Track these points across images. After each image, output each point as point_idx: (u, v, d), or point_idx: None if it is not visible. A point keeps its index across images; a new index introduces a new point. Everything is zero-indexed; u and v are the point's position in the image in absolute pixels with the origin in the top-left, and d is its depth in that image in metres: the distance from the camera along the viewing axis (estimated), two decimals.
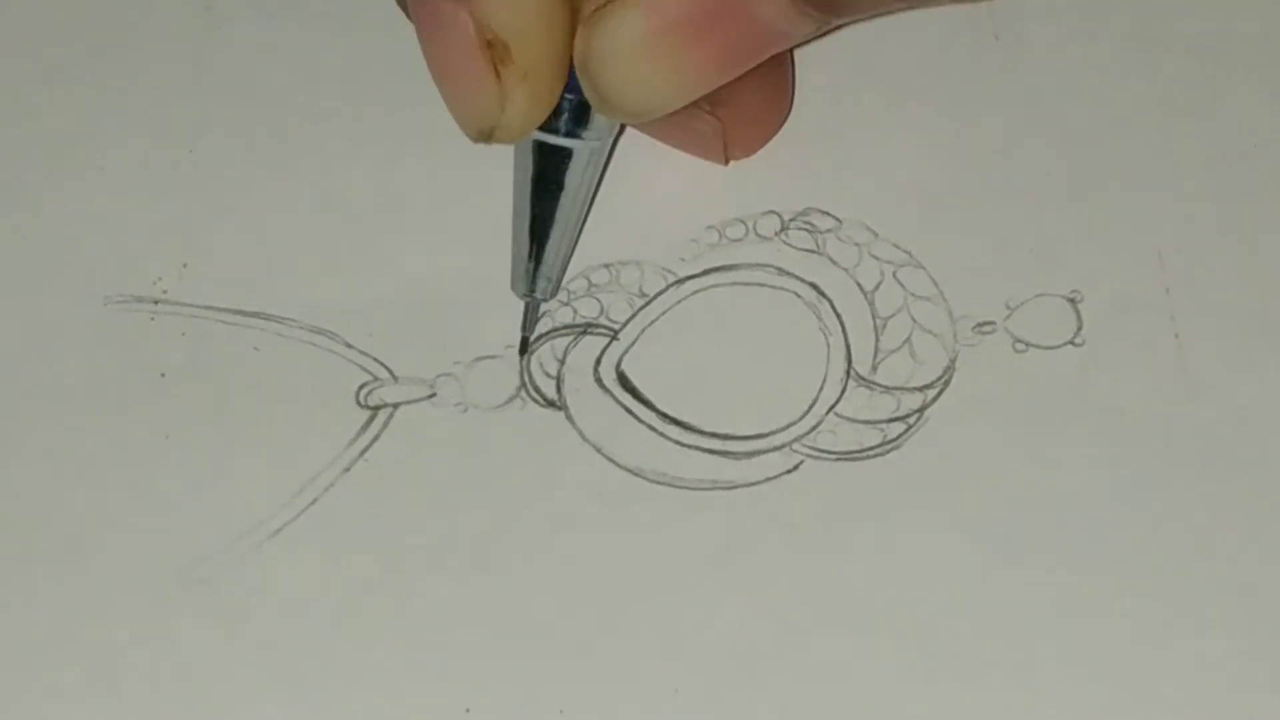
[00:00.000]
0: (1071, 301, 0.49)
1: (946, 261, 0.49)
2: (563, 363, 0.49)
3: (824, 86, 0.51)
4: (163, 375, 0.49)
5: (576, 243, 0.48)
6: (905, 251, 0.49)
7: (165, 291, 0.50)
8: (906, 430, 0.48)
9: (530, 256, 0.48)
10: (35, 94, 0.52)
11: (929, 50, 0.51)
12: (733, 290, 0.49)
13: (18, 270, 0.50)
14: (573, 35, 0.44)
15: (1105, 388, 0.48)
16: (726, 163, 0.50)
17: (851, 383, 0.48)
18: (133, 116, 0.51)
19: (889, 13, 0.48)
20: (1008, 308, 0.49)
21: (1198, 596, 0.46)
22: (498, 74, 0.44)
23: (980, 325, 0.49)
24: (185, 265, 0.50)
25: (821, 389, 0.48)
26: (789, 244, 0.49)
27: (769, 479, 0.48)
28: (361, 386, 0.49)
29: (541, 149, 0.46)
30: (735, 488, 0.48)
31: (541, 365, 0.49)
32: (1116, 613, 0.46)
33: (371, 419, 0.49)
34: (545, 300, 0.48)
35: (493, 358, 0.49)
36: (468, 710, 0.46)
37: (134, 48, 0.52)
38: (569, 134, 0.46)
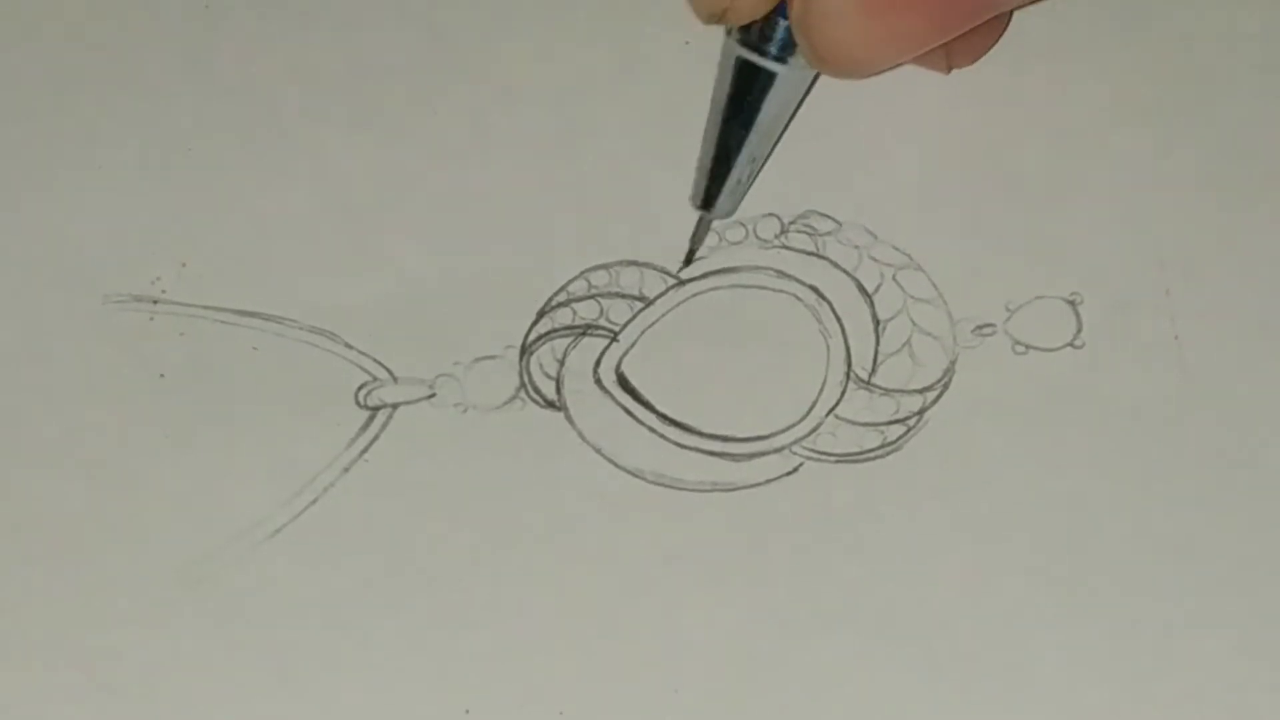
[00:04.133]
0: (1071, 303, 0.49)
1: (946, 264, 0.49)
2: (562, 364, 0.49)
3: (824, 89, 0.51)
4: (162, 375, 0.49)
5: (760, 171, 0.49)
6: (905, 254, 0.49)
7: (164, 291, 0.50)
8: (906, 432, 0.48)
9: (713, 175, 0.48)
10: (34, 93, 0.52)
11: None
12: (733, 292, 0.49)
13: (16, 269, 0.50)
14: None
15: (1105, 389, 0.48)
16: (948, 71, 0.50)
17: (851, 385, 0.48)
18: (131, 116, 0.51)
19: None
20: (1007, 310, 0.49)
21: (1198, 596, 0.46)
22: None
23: (980, 327, 0.49)
24: (184, 265, 0.50)
25: (821, 391, 0.48)
26: (789, 246, 0.50)
27: (769, 481, 0.48)
28: (361, 387, 0.49)
29: (745, 68, 0.47)
30: (735, 489, 0.48)
31: (541, 366, 0.49)
32: (1116, 613, 0.46)
33: (371, 419, 0.49)
34: (721, 218, 0.49)
35: (492, 358, 0.49)
36: (467, 711, 0.46)
37: (133, 47, 0.52)
38: (776, 58, 0.47)
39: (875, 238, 0.50)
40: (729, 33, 0.47)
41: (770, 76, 0.47)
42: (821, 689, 0.46)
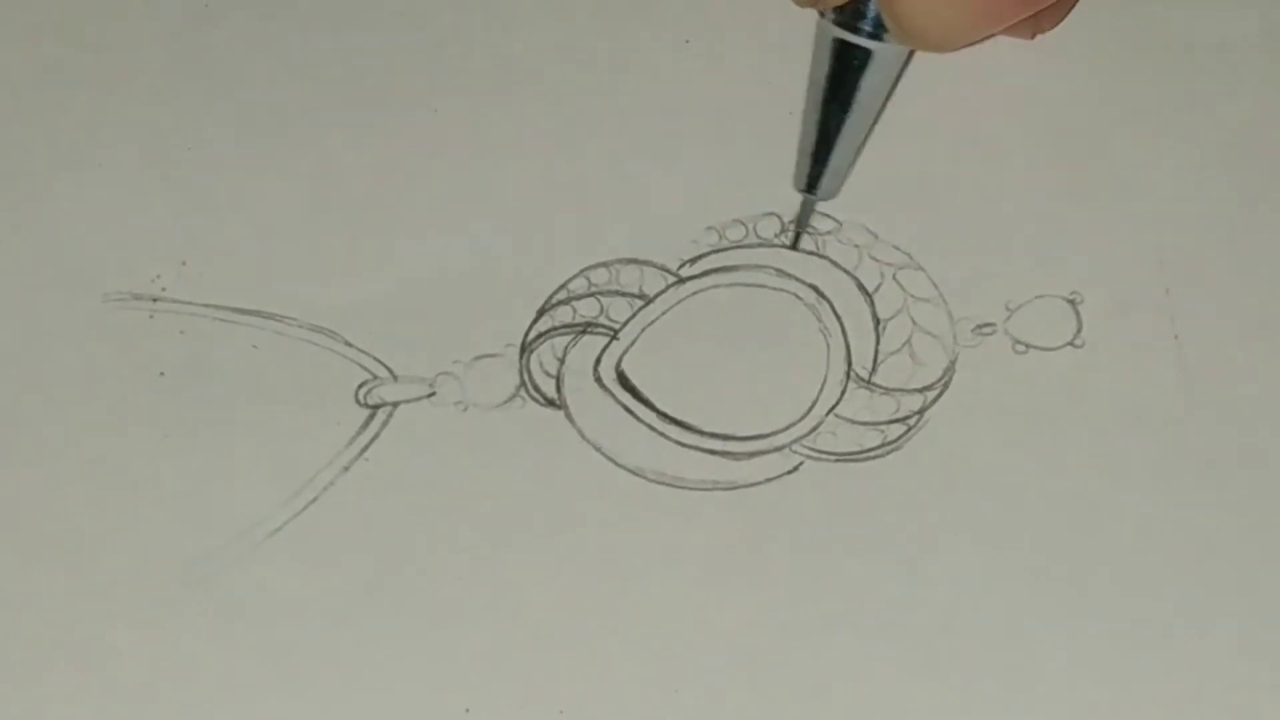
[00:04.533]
0: (1071, 303, 0.49)
1: (946, 263, 0.49)
2: (562, 362, 0.49)
3: None
4: (162, 373, 0.49)
5: (861, 150, 0.49)
6: (905, 253, 0.49)
7: (164, 289, 0.50)
8: (907, 431, 0.48)
9: (816, 156, 0.48)
10: (34, 92, 0.52)
11: (929, 53, 0.51)
12: (733, 291, 0.49)
13: (16, 268, 0.50)
14: None
15: (1105, 389, 0.48)
16: (1032, 37, 0.50)
17: (852, 384, 0.48)
18: (131, 114, 0.51)
19: None
20: (1007, 309, 0.49)
21: (1198, 596, 0.46)
22: None
23: (980, 327, 0.49)
24: (184, 263, 0.50)
25: (822, 390, 0.48)
26: (789, 245, 0.50)
27: (769, 479, 0.48)
28: (361, 385, 0.49)
29: (841, 48, 0.47)
30: (736, 488, 0.48)
31: (541, 364, 0.49)
32: (1116, 613, 0.46)
33: (371, 418, 0.49)
34: (824, 200, 0.49)
35: (492, 356, 0.49)
36: (467, 710, 0.46)
37: (132, 46, 0.52)
38: (871, 35, 0.47)
39: (875, 237, 0.50)
40: (822, 14, 0.47)
41: (866, 54, 0.47)
42: (821, 687, 0.46)
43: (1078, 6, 0.50)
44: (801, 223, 0.49)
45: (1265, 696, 0.45)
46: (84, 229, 0.50)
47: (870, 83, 0.48)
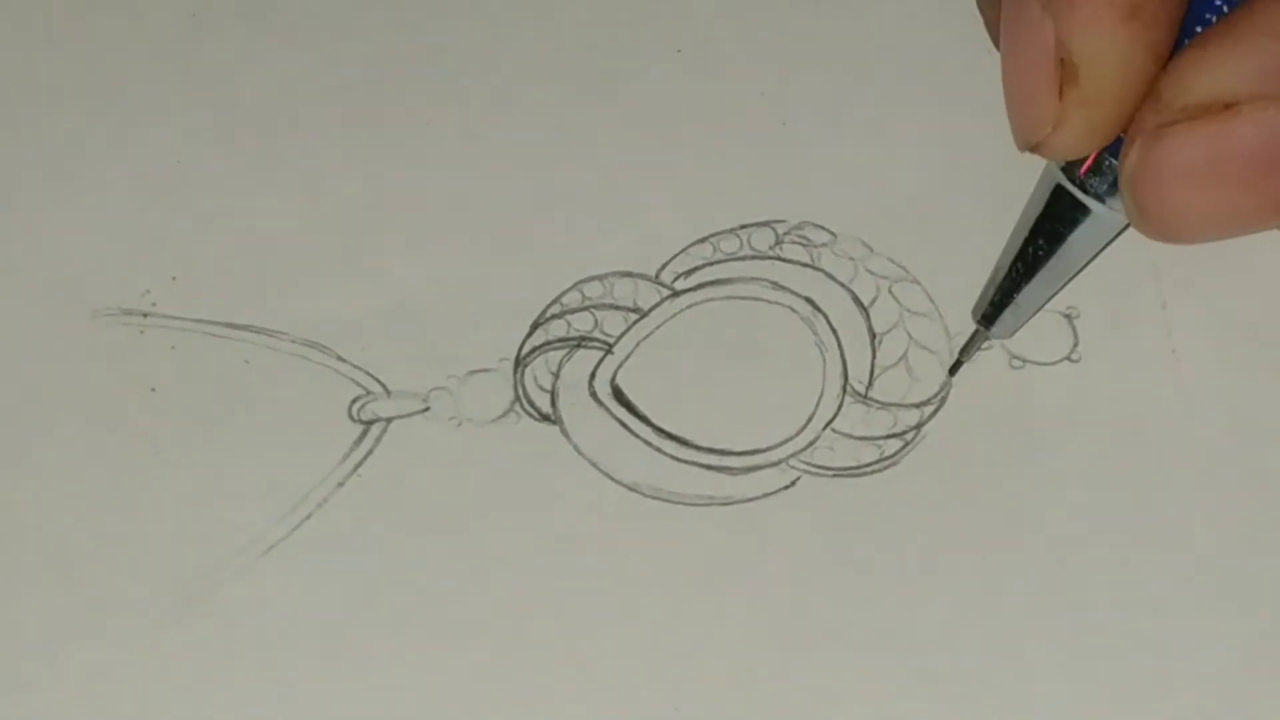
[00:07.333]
0: (1068, 317, 0.49)
1: (942, 277, 0.49)
2: (557, 376, 0.49)
3: (818, 99, 0.51)
4: (152, 389, 0.49)
5: (1047, 302, 0.47)
6: (901, 266, 0.49)
7: (154, 304, 0.50)
8: (904, 447, 0.48)
9: (1001, 291, 0.47)
10: (21, 105, 0.51)
11: (924, 63, 0.51)
12: (727, 304, 0.49)
13: (4, 283, 0.50)
14: (1146, 90, 0.43)
15: (1102, 403, 0.48)
16: None
17: (848, 398, 0.48)
18: (119, 127, 0.51)
19: None
20: None
21: (1197, 611, 0.46)
22: (1061, 93, 0.43)
23: None
24: (174, 278, 0.50)
25: (818, 404, 0.48)
26: (784, 258, 0.49)
27: (766, 495, 0.48)
28: (354, 400, 0.49)
29: (1060, 195, 0.45)
30: (732, 503, 0.48)
31: (536, 379, 0.49)
32: (1116, 628, 0.46)
33: (365, 433, 0.48)
34: (997, 339, 0.48)
35: (487, 371, 0.49)
36: None
37: (120, 58, 0.52)
38: (1095, 195, 0.45)
39: (870, 250, 0.49)
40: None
41: (1084, 211, 0.45)
42: (819, 704, 0.46)
43: None
44: (967, 353, 0.48)
45: (1267, 710, 0.45)
46: (72, 244, 0.50)
47: (1080, 240, 0.46)
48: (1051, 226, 0.46)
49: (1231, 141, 0.42)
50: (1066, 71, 0.43)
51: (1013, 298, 0.47)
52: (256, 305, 0.49)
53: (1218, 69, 0.42)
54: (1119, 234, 0.46)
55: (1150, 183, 0.43)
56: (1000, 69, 0.44)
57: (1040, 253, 0.46)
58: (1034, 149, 0.44)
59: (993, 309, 0.47)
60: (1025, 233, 0.46)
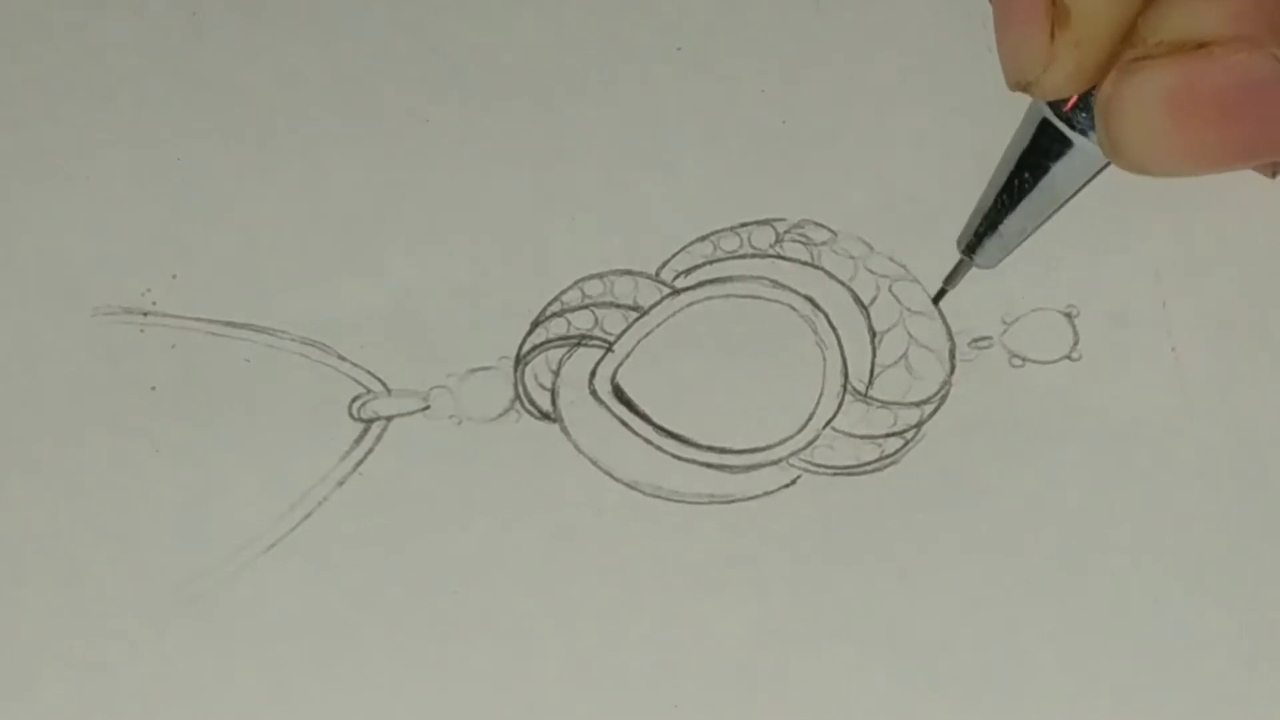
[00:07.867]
0: (1068, 316, 0.49)
1: (942, 276, 0.49)
2: (557, 375, 0.49)
3: (819, 98, 0.51)
4: (153, 388, 0.49)
5: (1031, 233, 0.48)
6: (901, 265, 0.49)
7: (154, 303, 0.50)
8: (904, 446, 0.48)
9: (985, 223, 0.48)
10: (20, 103, 0.51)
11: (924, 62, 0.51)
12: (728, 303, 0.49)
13: (4, 282, 0.50)
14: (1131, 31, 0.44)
15: (1102, 402, 0.48)
16: (1274, 175, 0.49)
17: (848, 397, 0.48)
18: (119, 125, 0.51)
19: None
20: (1004, 322, 0.49)
21: (1197, 610, 0.46)
22: (1053, 35, 0.44)
23: (976, 340, 0.49)
24: (174, 276, 0.50)
25: (818, 403, 0.48)
26: (784, 256, 0.49)
27: (766, 493, 0.48)
28: (354, 399, 0.49)
29: (1045, 129, 0.47)
30: (733, 502, 0.48)
31: (536, 377, 0.49)
32: (1116, 627, 0.46)
33: (365, 432, 0.48)
34: (981, 268, 0.48)
35: (487, 369, 0.49)
36: None
37: (119, 56, 0.51)
38: (1079, 129, 0.46)
39: (871, 248, 0.49)
40: None
41: (1067, 144, 0.46)
42: (820, 702, 0.46)
43: None
44: (951, 282, 0.49)
45: (1266, 710, 0.45)
46: (73, 242, 0.50)
47: (1062, 172, 0.47)
48: (1036, 159, 0.47)
49: (1200, 79, 0.44)
50: (1058, 13, 0.44)
51: (996, 227, 0.48)
52: (257, 304, 0.49)
53: (1193, 8, 0.44)
54: (1100, 170, 0.47)
55: (1119, 113, 0.44)
56: (992, 11, 0.45)
57: (1025, 184, 0.47)
58: (1024, 89, 0.45)
59: (976, 238, 0.48)
60: (1011, 165, 0.47)
